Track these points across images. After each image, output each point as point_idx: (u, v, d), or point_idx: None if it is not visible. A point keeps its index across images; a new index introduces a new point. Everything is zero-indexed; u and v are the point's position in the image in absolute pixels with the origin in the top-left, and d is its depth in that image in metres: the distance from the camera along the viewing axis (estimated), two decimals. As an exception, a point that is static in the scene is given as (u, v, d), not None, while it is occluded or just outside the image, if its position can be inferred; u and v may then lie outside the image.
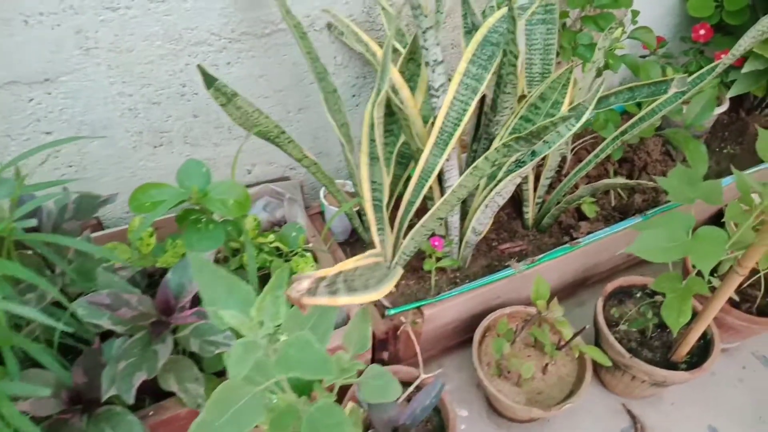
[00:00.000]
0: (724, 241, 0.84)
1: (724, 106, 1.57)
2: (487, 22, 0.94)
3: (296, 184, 1.27)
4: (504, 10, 0.95)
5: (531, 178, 1.20)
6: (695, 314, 1.06)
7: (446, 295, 1.10)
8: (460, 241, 1.16)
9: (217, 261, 0.99)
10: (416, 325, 1.06)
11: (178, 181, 0.80)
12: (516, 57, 0.88)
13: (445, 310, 1.11)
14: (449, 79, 0.94)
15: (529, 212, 1.29)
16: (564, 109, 0.99)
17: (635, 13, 1.40)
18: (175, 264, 0.83)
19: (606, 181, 1.16)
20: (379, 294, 0.71)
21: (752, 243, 0.87)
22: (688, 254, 0.85)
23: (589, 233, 1.27)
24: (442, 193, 1.08)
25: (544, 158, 1.23)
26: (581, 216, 1.34)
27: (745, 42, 1.03)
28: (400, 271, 0.80)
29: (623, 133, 1.16)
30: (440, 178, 1.05)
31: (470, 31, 1.03)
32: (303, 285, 0.69)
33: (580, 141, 1.39)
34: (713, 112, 1.19)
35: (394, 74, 0.95)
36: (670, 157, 1.58)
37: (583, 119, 0.90)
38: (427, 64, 0.90)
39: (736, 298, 1.18)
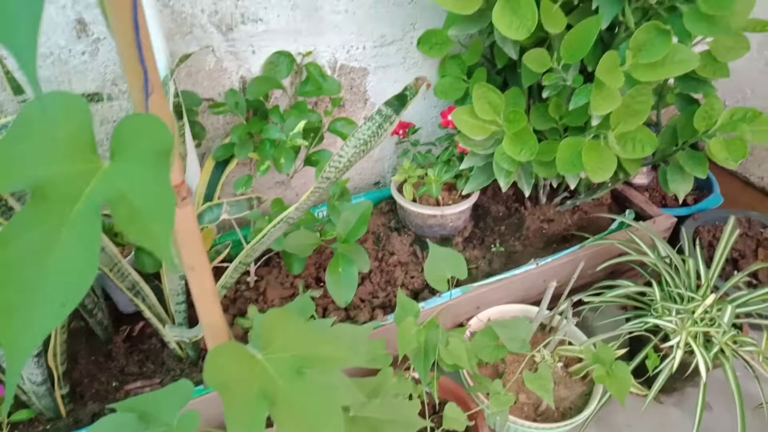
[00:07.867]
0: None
1: (471, 200, 1.37)
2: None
3: None
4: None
5: (147, 304, 1.00)
6: None
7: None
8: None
9: None
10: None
11: None
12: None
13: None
14: None
15: (172, 342, 1.07)
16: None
17: (336, 102, 1.22)
18: None
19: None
20: None
21: None
22: None
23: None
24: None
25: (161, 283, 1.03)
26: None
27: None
28: None
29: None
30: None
31: None
32: None
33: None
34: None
35: None
36: (417, 258, 1.38)
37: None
38: None
39: None
